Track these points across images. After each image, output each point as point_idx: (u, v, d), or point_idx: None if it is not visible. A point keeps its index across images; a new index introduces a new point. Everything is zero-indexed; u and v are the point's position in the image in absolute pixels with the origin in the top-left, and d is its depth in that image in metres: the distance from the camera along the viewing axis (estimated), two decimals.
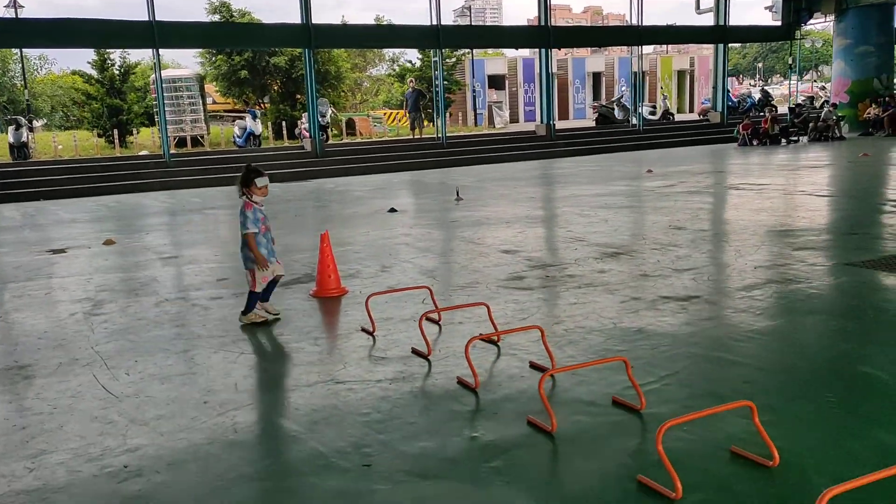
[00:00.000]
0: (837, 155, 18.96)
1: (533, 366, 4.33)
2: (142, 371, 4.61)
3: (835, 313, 5.20)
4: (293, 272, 7.29)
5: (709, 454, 3.16)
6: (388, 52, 40.78)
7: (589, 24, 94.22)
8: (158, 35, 18.53)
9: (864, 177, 14.05)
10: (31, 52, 39.20)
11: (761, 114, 27.65)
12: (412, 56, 34.31)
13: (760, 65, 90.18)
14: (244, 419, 3.78)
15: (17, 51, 27.93)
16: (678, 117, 34.61)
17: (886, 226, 8.51)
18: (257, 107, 28.23)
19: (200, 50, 28.50)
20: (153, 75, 25.72)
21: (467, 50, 31.71)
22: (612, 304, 5.68)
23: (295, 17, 20.26)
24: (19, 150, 19.93)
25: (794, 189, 12.46)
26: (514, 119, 35.70)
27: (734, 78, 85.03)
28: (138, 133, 25.65)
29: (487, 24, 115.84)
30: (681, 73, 41.80)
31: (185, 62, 40.53)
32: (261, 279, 5.56)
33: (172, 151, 23.05)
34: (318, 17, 20.17)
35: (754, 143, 24.40)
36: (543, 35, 23.83)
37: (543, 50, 24.12)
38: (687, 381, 4.04)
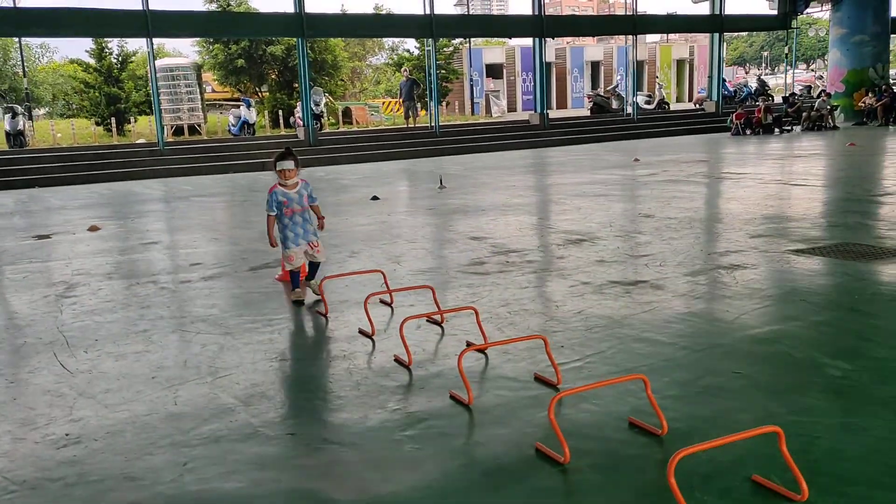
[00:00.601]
0: (826, 145, 19.08)
1: (469, 344, 4.54)
2: (100, 349, 4.84)
3: (768, 297, 5.38)
4: (265, 258, 7.51)
5: (609, 424, 3.37)
6: (388, 41, 40.88)
7: (594, 13, 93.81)
8: (152, 24, 18.73)
9: (844, 167, 14.19)
10: (33, 41, 39.45)
11: (757, 103, 27.72)
12: (411, 45, 34.45)
13: (766, 53, 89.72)
14: (186, 393, 4.00)
15: (17, 39, 28.10)
16: (676, 106, 34.70)
17: (849, 213, 8.68)
18: (254, 96, 28.42)
19: (198, 39, 28.66)
20: None
21: (464, 39, 31.83)
22: (560, 289, 5.89)
23: (290, 7, 20.42)
24: (15, 137, 20.19)
25: (771, 178, 12.62)
26: (512, 108, 35.82)
27: (741, 67, 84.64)
28: (136, 122, 25.85)
29: (493, 13, 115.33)
30: (680, 62, 41.82)
31: (185, 51, 40.68)
32: (287, 258, 5.83)
33: (170, 140, 23.32)
34: (315, 6, 20.37)
35: (747, 132, 24.50)
36: (537, 24, 23.93)
37: (538, 39, 24.22)
38: (611, 359, 4.25)
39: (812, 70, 60.93)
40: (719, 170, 14.15)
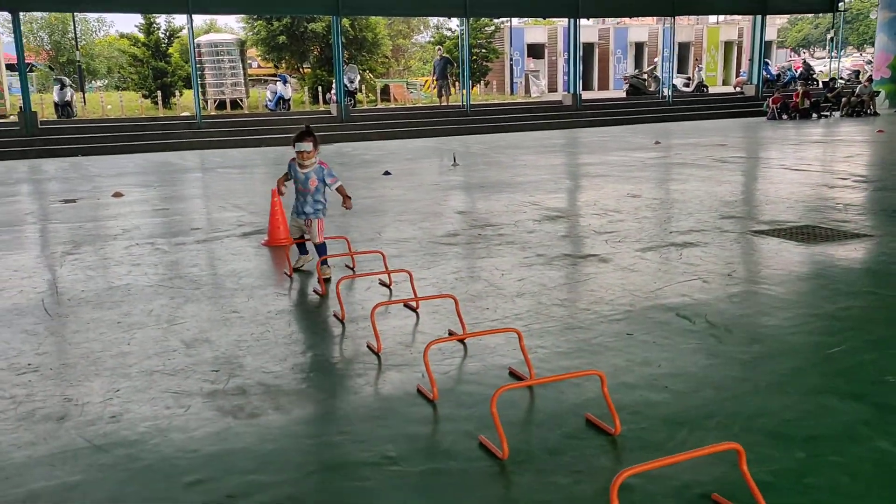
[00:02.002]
0: (857, 131, 18.85)
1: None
2: (81, 299, 5.45)
3: (700, 272, 5.68)
4: (260, 226, 8.06)
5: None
6: (433, 20, 41.09)
7: None
8: (192, 0, 19.43)
9: (858, 153, 14.12)
10: (90, 16, 40.81)
11: (807, 88, 27.28)
12: (454, 24, 34.65)
13: (830, 35, 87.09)
14: (141, 336, 4.56)
15: (72, 14, 29.25)
16: (721, 89, 34.28)
17: (827, 199, 8.82)
18: (295, 72, 29.08)
19: (242, 15, 29.41)
20: (197, 39, 26.79)
21: (505, 19, 31.94)
22: (514, 259, 6.29)
23: None
24: (63, 108, 21.23)
25: (776, 163, 12.70)
26: (552, 88, 35.82)
27: (805, 49, 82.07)
28: (181, 95, 26.79)
29: None
30: (728, 45, 41.13)
31: (235, 27, 41.59)
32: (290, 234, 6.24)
33: (213, 113, 24.17)
34: None
35: (784, 117, 24.22)
36: (572, 4, 23.98)
37: (573, 19, 24.28)
38: (522, 318, 4.66)
39: (862, 55, 59.05)
40: (732, 154, 14.23)
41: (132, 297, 5.47)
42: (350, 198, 6.14)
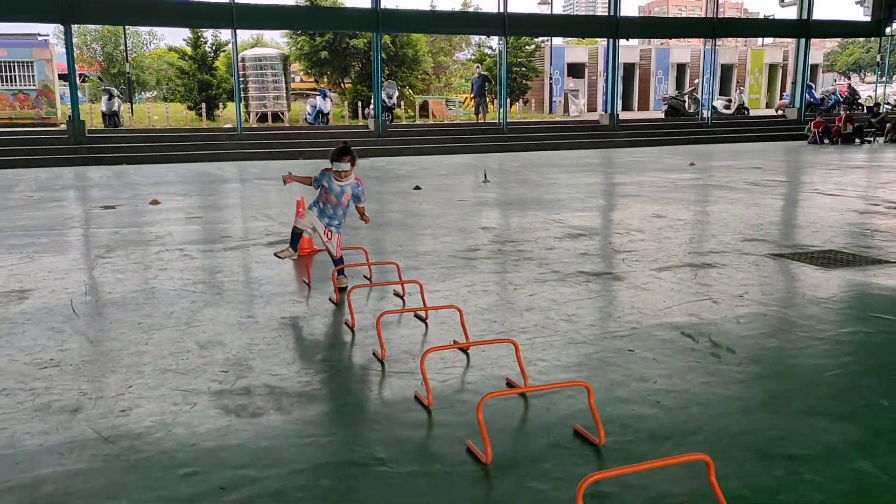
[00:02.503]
0: None
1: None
2: (108, 299, 5.68)
3: (712, 292, 5.70)
4: (284, 234, 8.26)
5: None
6: (475, 39, 41.45)
7: (703, 15, 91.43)
8: (237, 16, 19.97)
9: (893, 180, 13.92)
10: (142, 29, 42.03)
11: (850, 112, 26.91)
12: (494, 42, 34.90)
13: (878, 59, 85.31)
14: (158, 336, 4.75)
15: (123, 27, 30.16)
16: (762, 112, 33.94)
17: (858, 224, 8.72)
18: (336, 87, 29.57)
19: (286, 31, 30.04)
20: (242, 53, 27.45)
21: (545, 38, 32.10)
22: (529, 275, 6.37)
23: (369, 2, 21.30)
24: (110, 118, 21.91)
25: (812, 187, 12.57)
26: (592, 108, 35.81)
27: (856, 74, 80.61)
28: (225, 107, 27.42)
29: (578, 13, 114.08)
30: (773, 67, 40.71)
31: (281, 42, 42.44)
32: (301, 214, 6.12)
33: (254, 126, 24.72)
34: (392, 2, 21.17)
35: (825, 141, 23.92)
36: (611, 25, 24.04)
37: (611, 40, 24.33)
38: (526, 331, 4.74)
39: None
40: (766, 177, 14.12)
41: (155, 300, 5.68)
42: (368, 218, 6.35)
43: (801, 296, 5.59)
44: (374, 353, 4.40)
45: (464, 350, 4.40)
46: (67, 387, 3.91)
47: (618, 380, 3.95)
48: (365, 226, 6.56)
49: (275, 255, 6.38)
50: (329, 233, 5.98)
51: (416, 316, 5.13)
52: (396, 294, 5.75)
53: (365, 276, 6.27)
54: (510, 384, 3.88)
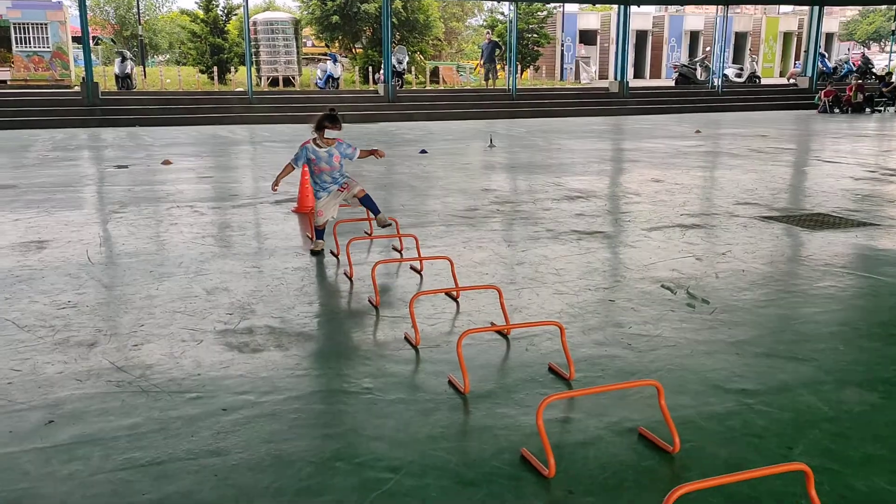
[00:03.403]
0: None
1: (412, 268, 5.40)
2: (121, 250, 5.99)
3: (703, 251, 5.92)
4: (291, 193, 8.54)
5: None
6: (487, 4, 41.21)
7: None
8: None
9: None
10: None
11: (860, 81, 26.75)
12: (506, 7, 34.73)
13: (893, 27, 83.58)
14: (169, 283, 5.05)
15: None
16: (775, 81, 33.73)
17: (852, 189, 8.88)
18: (348, 52, 29.59)
19: None
20: (254, 17, 27.49)
21: (558, 4, 31.92)
22: (524, 233, 6.63)
23: None
24: (123, 80, 22.13)
25: (814, 155, 12.71)
26: (603, 75, 35.65)
27: (876, 43, 79.25)
28: (236, 71, 27.54)
29: None
30: (787, 35, 40.30)
31: (287, 5, 42.29)
32: (317, 213, 5.89)
33: (265, 89, 24.87)
34: None
35: (835, 110, 23.86)
36: None
37: (622, 6, 24.23)
38: (516, 283, 5.01)
39: None
40: (771, 144, 14.23)
41: (166, 251, 5.99)
42: (375, 149, 6.04)
43: (781, 254, 5.82)
44: (369, 300, 4.69)
45: (453, 297, 4.68)
46: (84, 325, 4.23)
47: (595, 325, 4.22)
48: (369, 187, 6.41)
49: (311, 252, 5.99)
50: (346, 185, 5.85)
51: (412, 268, 5.41)
52: (395, 249, 6.03)
53: (365, 232, 6.54)
54: (498, 331, 4.16)
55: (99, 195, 8.83)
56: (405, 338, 4.04)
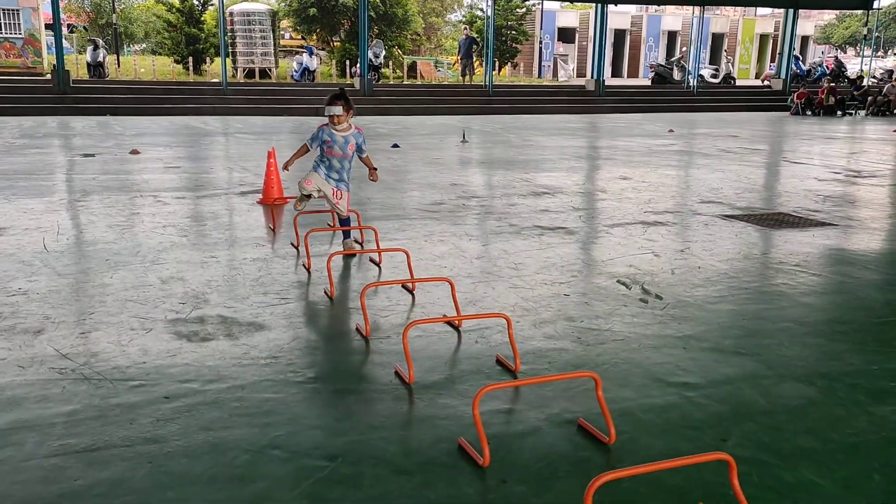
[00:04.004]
0: (877, 130, 18.82)
1: (371, 260, 5.40)
2: (80, 238, 5.93)
3: (662, 247, 5.96)
4: (258, 185, 8.49)
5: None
6: (466, 0, 41.19)
7: None
8: None
9: (869, 151, 14.20)
10: None
11: (832, 84, 27.06)
12: (483, 3, 34.73)
13: (864, 32, 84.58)
14: (124, 272, 5.01)
15: None
16: (749, 82, 34.07)
17: (815, 190, 9.00)
18: (325, 45, 29.46)
19: None
20: (231, 7, 27.28)
21: (536, 1, 31.99)
22: (485, 228, 6.65)
23: None
24: (95, 68, 21.87)
25: (781, 156, 12.86)
26: (581, 73, 35.79)
27: (852, 48, 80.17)
28: (212, 62, 27.32)
29: None
30: (764, 37, 40.72)
31: None
32: (304, 180, 5.59)
33: (241, 81, 24.70)
34: None
35: (808, 112, 24.15)
36: None
37: (599, 5, 24.34)
38: (474, 276, 5.03)
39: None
40: (740, 145, 14.37)
41: (124, 240, 5.93)
42: (376, 169, 5.88)
43: (738, 252, 5.88)
44: (325, 292, 4.68)
45: (409, 290, 4.68)
46: (33, 312, 4.18)
47: (547, 319, 4.24)
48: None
49: (299, 198, 5.80)
50: (339, 193, 5.62)
51: (371, 260, 5.41)
52: (356, 241, 6.02)
53: (328, 223, 6.52)
54: (448, 321, 4.17)
55: (62, 184, 8.73)
56: (356, 329, 4.04)
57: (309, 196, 5.72)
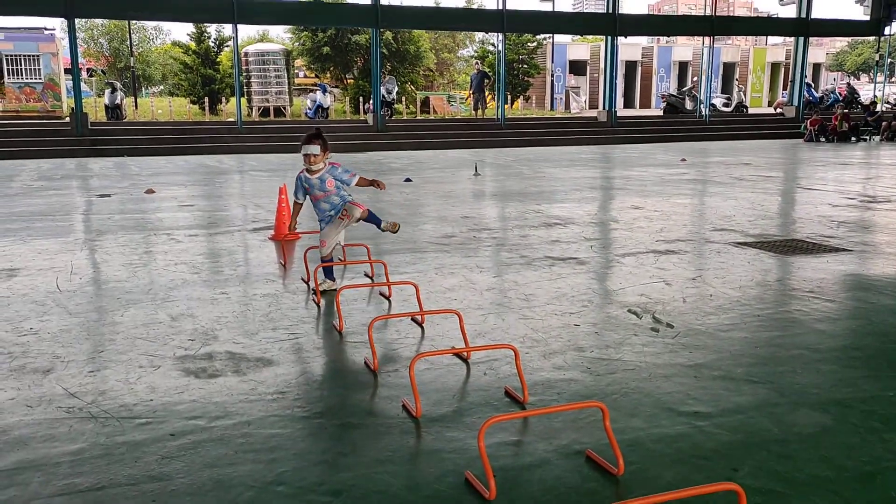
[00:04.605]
0: (892, 156, 18.71)
1: (381, 294, 5.39)
2: (92, 277, 5.97)
3: (674, 276, 5.92)
4: (271, 221, 8.55)
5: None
6: (479, 35, 41.66)
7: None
8: (238, 11, 20.26)
9: (884, 176, 14.10)
10: (148, 24, 42.37)
11: (846, 110, 27.01)
12: (495, 38, 35.11)
13: (891, 60, 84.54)
14: (134, 310, 5.04)
15: (128, 22, 30.49)
16: (762, 110, 34.07)
17: (829, 216, 8.92)
18: (339, 83, 29.84)
19: (291, 26, 30.33)
20: (245, 48, 27.77)
21: (547, 35, 32.31)
22: (496, 260, 6.64)
23: None
24: (113, 110, 22.25)
25: (795, 182, 12.79)
26: (593, 105, 35.96)
27: (865, 74, 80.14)
28: (227, 101, 27.76)
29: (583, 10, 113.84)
30: (775, 66, 40.79)
31: (280, 38, 42.69)
32: (321, 242, 5.51)
33: (256, 119, 25.04)
34: None
35: (821, 139, 24.08)
36: (610, 22, 24.23)
37: (610, 37, 24.53)
38: (483, 307, 5.01)
39: None
40: (753, 172, 14.33)
41: (136, 278, 5.97)
42: (377, 180, 5.62)
43: (750, 279, 5.83)
44: (333, 326, 4.68)
45: (418, 322, 4.67)
46: (43, 351, 4.20)
47: (557, 349, 4.21)
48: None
49: (321, 292, 5.45)
50: (345, 211, 5.41)
51: (381, 294, 5.41)
52: (366, 275, 6.03)
53: (339, 258, 6.53)
54: (457, 354, 4.15)
55: (77, 224, 8.83)
56: (364, 362, 4.02)
57: (332, 272, 5.64)
